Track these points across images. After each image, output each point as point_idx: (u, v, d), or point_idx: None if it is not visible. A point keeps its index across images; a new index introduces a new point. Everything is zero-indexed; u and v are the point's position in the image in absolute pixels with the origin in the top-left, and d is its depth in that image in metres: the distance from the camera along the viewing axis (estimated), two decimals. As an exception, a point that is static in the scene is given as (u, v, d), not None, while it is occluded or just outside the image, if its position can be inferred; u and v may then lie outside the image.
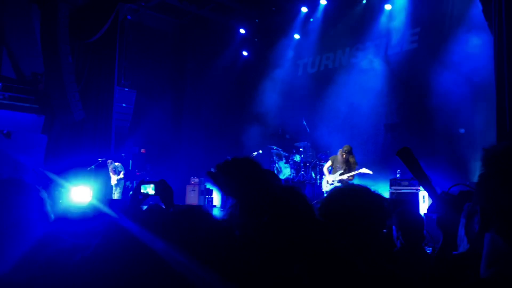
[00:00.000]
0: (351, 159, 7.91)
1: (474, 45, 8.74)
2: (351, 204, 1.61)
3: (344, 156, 7.90)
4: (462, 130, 9.19)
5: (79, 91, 12.11)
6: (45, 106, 12.44)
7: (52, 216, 1.74)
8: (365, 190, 1.70)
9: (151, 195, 2.39)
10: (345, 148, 7.96)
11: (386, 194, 8.06)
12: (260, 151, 10.97)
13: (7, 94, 12.29)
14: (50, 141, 12.26)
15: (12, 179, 1.65)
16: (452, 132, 9.21)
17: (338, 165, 8.02)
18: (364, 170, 7.89)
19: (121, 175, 11.44)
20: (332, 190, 1.81)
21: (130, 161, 13.78)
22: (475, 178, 2.29)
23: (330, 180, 7.96)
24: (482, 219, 1.17)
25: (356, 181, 8.32)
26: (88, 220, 2.90)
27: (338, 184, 7.80)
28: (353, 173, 7.78)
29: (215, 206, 12.89)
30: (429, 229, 5.59)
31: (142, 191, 2.38)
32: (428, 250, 5.12)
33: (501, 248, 1.09)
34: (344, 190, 1.76)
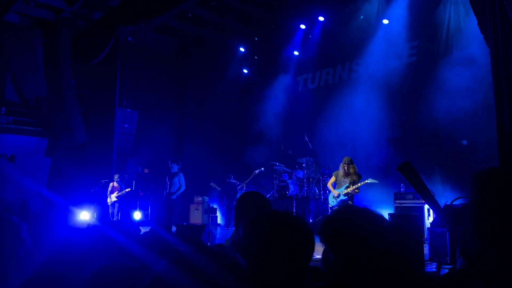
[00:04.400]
0: (352, 170, 7.82)
1: (473, 56, 8.75)
2: (352, 223, 1.61)
3: (346, 168, 7.81)
4: (464, 142, 9.15)
5: (81, 113, 12.21)
6: (48, 129, 12.52)
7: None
8: (365, 210, 1.69)
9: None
10: (345, 160, 7.88)
11: (388, 211, 7.96)
12: (262, 169, 10.93)
13: (11, 118, 12.40)
14: (53, 163, 12.31)
15: None
16: (455, 144, 9.17)
17: (341, 179, 7.93)
18: (370, 180, 7.81)
19: (117, 194, 11.16)
20: (333, 209, 1.81)
21: (134, 181, 13.77)
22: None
23: (336, 194, 7.88)
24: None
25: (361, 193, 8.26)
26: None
27: (344, 198, 7.73)
28: (358, 185, 7.70)
29: (219, 224, 12.84)
30: (434, 243, 5.53)
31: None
32: (433, 265, 5.05)
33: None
34: (345, 210, 1.75)
